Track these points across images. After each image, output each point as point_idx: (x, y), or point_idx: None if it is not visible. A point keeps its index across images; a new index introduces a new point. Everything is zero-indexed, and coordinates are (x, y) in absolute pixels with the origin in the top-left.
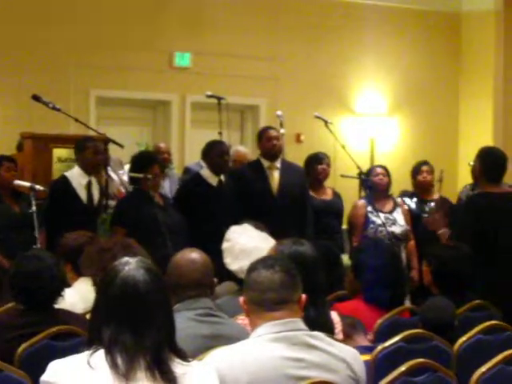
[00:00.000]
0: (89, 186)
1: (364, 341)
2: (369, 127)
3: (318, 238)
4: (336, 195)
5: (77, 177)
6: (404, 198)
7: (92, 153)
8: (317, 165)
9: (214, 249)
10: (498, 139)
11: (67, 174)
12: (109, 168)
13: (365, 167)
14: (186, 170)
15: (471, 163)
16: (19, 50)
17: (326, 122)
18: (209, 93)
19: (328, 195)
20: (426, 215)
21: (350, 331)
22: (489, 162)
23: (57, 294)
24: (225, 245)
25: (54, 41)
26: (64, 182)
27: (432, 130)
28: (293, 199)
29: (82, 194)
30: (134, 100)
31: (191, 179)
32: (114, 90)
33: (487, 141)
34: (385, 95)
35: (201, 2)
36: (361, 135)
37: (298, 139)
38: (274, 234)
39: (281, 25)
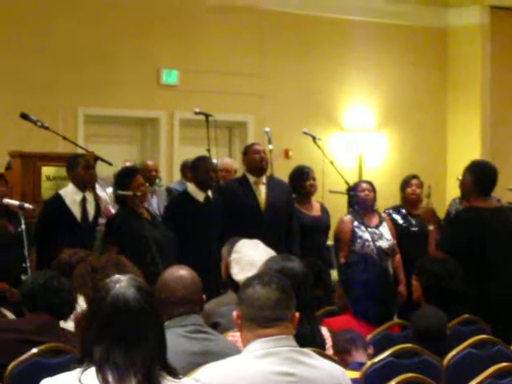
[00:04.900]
0: (83, 202)
1: (362, 356)
2: (357, 143)
3: (307, 254)
4: (324, 210)
5: (71, 194)
6: (390, 212)
7: (84, 168)
8: (304, 181)
9: (201, 264)
10: (485, 153)
11: (61, 191)
12: (97, 186)
13: (353, 183)
14: (169, 191)
15: (459, 177)
16: (6, 68)
17: (314, 138)
18: (197, 110)
19: (317, 211)
20: (414, 229)
21: (347, 346)
22: (480, 176)
23: (66, 307)
24: (233, 256)
25: (42, 59)
26: (58, 199)
27: (420, 144)
28: (280, 215)
29: (76, 211)
30: (122, 118)
31: (178, 196)
32: (102, 107)
33: (475, 154)
34: (373, 111)
35: (188, 20)
36: (349, 151)
37: (286, 155)
38: None
39: (267, 42)
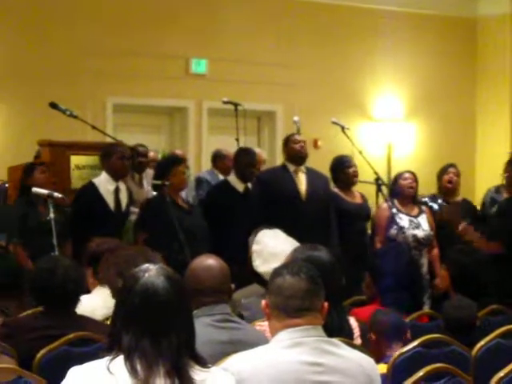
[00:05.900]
0: (116, 192)
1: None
2: (386, 132)
3: (350, 240)
4: (364, 198)
5: (104, 183)
6: (427, 200)
7: (119, 158)
8: (347, 168)
9: (239, 255)
10: None
11: (95, 180)
12: (144, 176)
13: (382, 172)
14: (198, 180)
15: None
16: (36, 58)
17: (342, 128)
18: (225, 99)
19: (358, 198)
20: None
21: (389, 333)
22: None
23: (73, 295)
24: (255, 247)
25: (70, 48)
26: (91, 188)
27: (449, 134)
28: (320, 204)
29: (110, 200)
30: (151, 107)
31: (218, 185)
32: (131, 97)
33: (505, 145)
34: (402, 100)
35: (217, 9)
36: (378, 140)
37: (315, 145)
38: (302, 237)
39: (297, 31)
